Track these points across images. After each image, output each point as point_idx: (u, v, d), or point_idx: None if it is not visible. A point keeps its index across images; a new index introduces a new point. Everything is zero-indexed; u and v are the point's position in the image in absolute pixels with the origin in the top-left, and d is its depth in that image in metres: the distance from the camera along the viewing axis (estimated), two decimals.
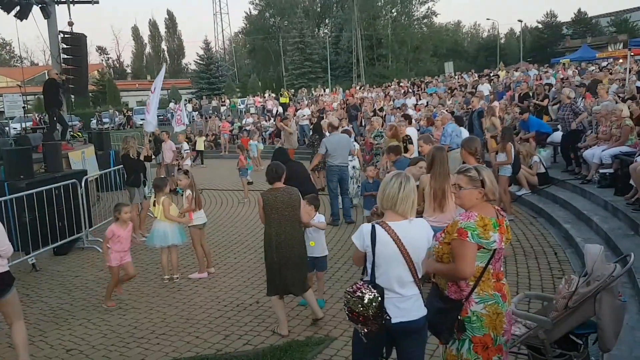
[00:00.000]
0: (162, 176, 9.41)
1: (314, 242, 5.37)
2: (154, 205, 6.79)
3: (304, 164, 7.61)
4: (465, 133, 10.44)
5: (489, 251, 2.97)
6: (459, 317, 2.98)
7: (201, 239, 6.91)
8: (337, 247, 7.75)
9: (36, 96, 49.56)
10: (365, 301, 2.84)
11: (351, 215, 9.23)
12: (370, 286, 2.89)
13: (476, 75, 27.93)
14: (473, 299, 2.99)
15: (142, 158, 9.25)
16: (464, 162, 5.81)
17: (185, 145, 13.66)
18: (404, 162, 6.82)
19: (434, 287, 3.19)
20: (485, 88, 18.56)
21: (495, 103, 14.70)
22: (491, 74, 26.12)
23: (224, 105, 34.39)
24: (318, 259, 5.45)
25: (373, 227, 2.95)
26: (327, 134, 11.15)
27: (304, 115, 20.96)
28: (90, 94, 47.42)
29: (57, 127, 12.71)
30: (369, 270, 2.98)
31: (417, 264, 2.97)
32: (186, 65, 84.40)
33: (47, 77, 12.89)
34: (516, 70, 25.02)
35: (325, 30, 61.51)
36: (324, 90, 34.03)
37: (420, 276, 3.01)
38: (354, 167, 9.89)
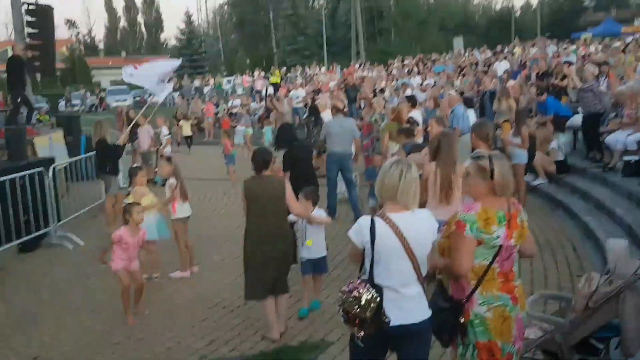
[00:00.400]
0: (137, 165, 9.33)
1: (311, 241, 5.27)
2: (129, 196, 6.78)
3: (309, 147, 7.63)
4: (473, 117, 10.46)
5: (493, 248, 2.98)
6: (461, 320, 2.99)
7: (184, 233, 6.90)
8: (335, 242, 7.73)
9: None
10: (363, 302, 2.84)
11: (360, 210, 8.77)
12: (368, 285, 2.89)
13: (488, 51, 27.89)
14: (476, 299, 3.00)
15: (121, 143, 9.19)
16: (473, 149, 5.81)
17: (165, 130, 13.54)
18: (412, 148, 6.81)
19: (438, 284, 3.22)
20: (502, 67, 18.47)
21: (511, 82, 14.67)
22: (505, 51, 26.08)
23: (208, 85, 34.26)
24: (317, 261, 5.39)
25: (372, 220, 2.96)
26: (323, 116, 11.15)
27: (298, 98, 20.89)
28: (58, 73, 47.18)
29: (22, 110, 12.59)
30: (367, 268, 2.99)
31: (420, 259, 2.97)
32: (165, 40, 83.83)
33: (10, 54, 12.75)
34: (533, 47, 25.00)
35: (321, 2, 61.02)
36: (320, 69, 33.92)
37: (424, 273, 3.01)
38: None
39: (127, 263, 5.59)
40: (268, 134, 17.10)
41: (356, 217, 8.66)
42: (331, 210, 9.03)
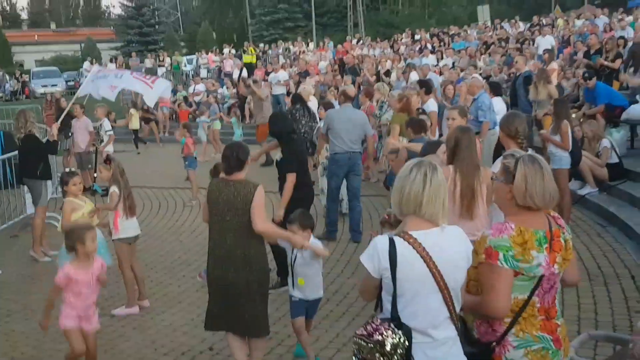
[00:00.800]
0: (70, 169, 9.22)
1: (303, 281, 5.20)
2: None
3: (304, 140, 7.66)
4: (501, 106, 10.52)
5: (532, 278, 2.99)
6: None
7: (131, 258, 6.86)
8: (336, 271, 7.72)
9: None
10: (388, 347, 2.80)
11: (361, 230, 8.80)
12: (392, 326, 2.86)
13: (521, 24, 28.10)
14: (510, 341, 3.01)
15: (55, 138, 9.10)
16: (501, 149, 5.85)
17: (107, 124, 13.45)
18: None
19: (460, 323, 3.19)
20: (546, 42, 18.57)
21: (553, 64, 14.79)
22: (543, 23, 26.32)
23: (163, 65, 34.21)
24: (311, 303, 5.33)
25: (391, 241, 2.91)
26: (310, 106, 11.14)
27: (279, 81, 20.91)
28: None
29: None
30: (388, 304, 2.94)
31: (454, 290, 2.93)
32: (107, 8, 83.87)
33: None
34: (578, 18, 25.24)
35: None
36: (307, 46, 34.03)
37: (458, 310, 3.00)
38: None
39: (82, 316, 5.02)
40: (237, 129, 17.02)
41: (354, 239, 8.71)
42: (331, 228, 8.98)
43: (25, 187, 9.78)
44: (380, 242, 2.93)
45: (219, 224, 4.84)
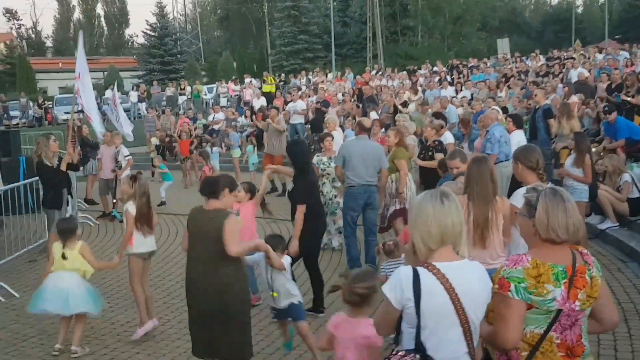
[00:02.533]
0: (67, 215, 9.07)
1: (276, 294, 5.57)
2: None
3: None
4: (522, 139, 10.48)
5: (547, 313, 2.97)
6: None
7: (143, 275, 6.86)
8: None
9: None
10: None
11: (377, 265, 8.46)
12: (418, 357, 2.85)
13: (541, 57, 28.15)
14: None
15: (63, 167, 9.21)
16: (518, 181, 5.84)
17: (125, 150, 13.61)
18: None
19: (484, 356, 3.20)
20: (576, 74, 18.52)
21: (574, 98, 14.77)
22: (563, 57, 26.35)
23: (184, 94, 34.58)
24: (289, 310, 5.64)
25: (415, 272, 2.90)
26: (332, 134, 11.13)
27: (298, 111, 21.05)
28: None
29: None
30: (410, 336, 2.92)
31: (473, 324, 2.93)
32: (131, 37, 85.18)
33: None
34: (600, 52, 25.24)
35: None
36: (326, 75, 34.26)
37: (476, 344, 2.98)
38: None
39: None
40: (251, 157, 17.00)
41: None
42: (352, 264, 8.67)
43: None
44: (404, 273, 2.93)
45: (194, 252, 5.04)
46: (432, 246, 2.96)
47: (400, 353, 2.88)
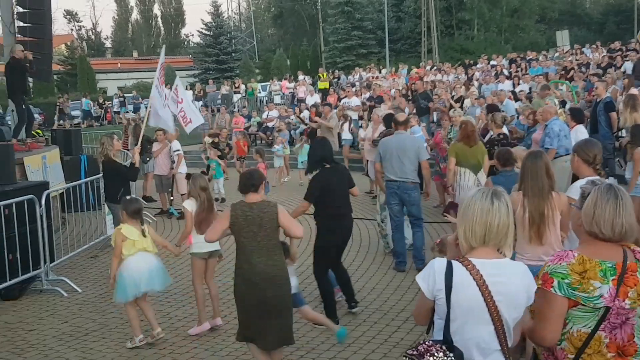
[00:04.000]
0: (131, 196, 9.28)
1: None
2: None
3: (348, 170, 7.58)
4: (581, 133, 10.22)
5: (595, 310, 2.89)
6: None
7: (207, 275, 6.97)
8: (407, 298, 7.65)
9: None
10: None
11: (424, 259, 8.58)
12: (444, 348, 2.85)
13: (603, 49, 27.41)
14: None
15: (137, 164, 9.42)
16: (575, 175, 5.75)
17: (175, 145, 13.73)
18: (513, 179, 6.68)
19: (533, 355, 3.20)
20: (630, 66, 18.00)
21: (633, 90, 14.32)
22: (626, 48, 25.56)
23: (238, 92, 34.94)
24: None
25: (449, 264, 2.92)
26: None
27: (351, 107, 21.02)
28: (55, 77, 49.23)
29: (9, 120, 13.18)
30: (439, 326, 2.95)
31: (507, 323, 2.91)
32: (187, 37, 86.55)
33: (2, 54, 13.37)
34: None
35: None
36: (380, 71, 34.09)
37: (510, 344, 2.95)
38: None
39: None
40: (302, 155, 17.04)
41: (417, 266, 8.58)
42: (397, 259, 8.85)
43: (106, 209, 10.13)
44: (438, 265, 2.96)
45: (250, 244, 5.12)
46: (473, 243, 2.96)
47: (427, 343, 2.88)
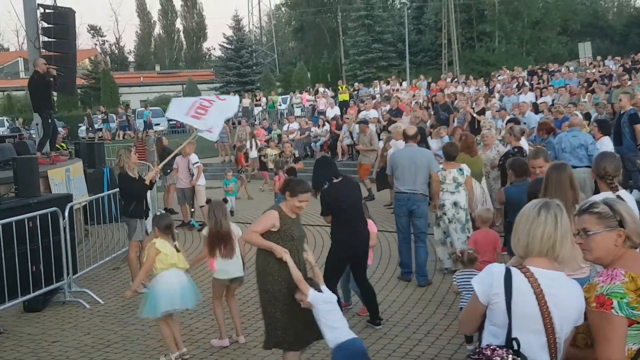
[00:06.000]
0: (161, 212, 9.27)
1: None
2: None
3: (357, 183, 7.55)
4: (606, 145, 10.14)
5: None
6: None
7: (227, 295, 7.00)
8: (429, 311, 7.61)
9: (5, 92, 52.63)
10: None
11: (427, 275, 8.68)
12: (511, 352, 2.81)
13: (629, 61, 27.17)
14: None
15: (147, 182, 9.34)
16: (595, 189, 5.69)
17: (193, 158, 13.79)
18: (523, 189, 6.63)
19: None
20: None
21: None
22: None
23: (259, 104, 35.09)
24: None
25: (508, 270, 2.89)
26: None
27: (369, 119, 21.01)
28: (79, 91, 49.87)
29: (34, 133, 13.33)
30: (490, 334, 2.90)
31: (559, 338, 2.86)
32: (209, 50, 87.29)
33: (22, 66, 13.54)
34: None
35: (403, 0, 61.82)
36: (400, 84, 34.06)
37: (560, 358, 2.91)
38: (455, 203, 9.01)
39: None
40: None
41: (419, 282, 8.60)
42: (403, 270, 8.92)
43: None
44: (497, 269, 2.93)
45: (296, 247, 5.39)
46: (520, 253, 2.96)
47: (492, 346, 2.84)
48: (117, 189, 10.36)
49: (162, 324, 6.48)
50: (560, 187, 4.94)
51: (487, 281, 2.91)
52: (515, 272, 2.87)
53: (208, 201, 7.16)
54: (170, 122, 37.92)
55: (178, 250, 6.53)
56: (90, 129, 36.16)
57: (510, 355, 2.78)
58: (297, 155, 17.01)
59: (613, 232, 2.97)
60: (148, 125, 34.04)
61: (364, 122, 17.19)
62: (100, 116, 37.63)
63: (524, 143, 10.56)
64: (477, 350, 2.89)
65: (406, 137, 9.10)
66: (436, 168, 8.79)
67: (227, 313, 7.07)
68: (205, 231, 6.89)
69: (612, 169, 5.17)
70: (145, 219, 9.39)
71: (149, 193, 9.67)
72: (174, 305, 6.35)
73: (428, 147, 12.59)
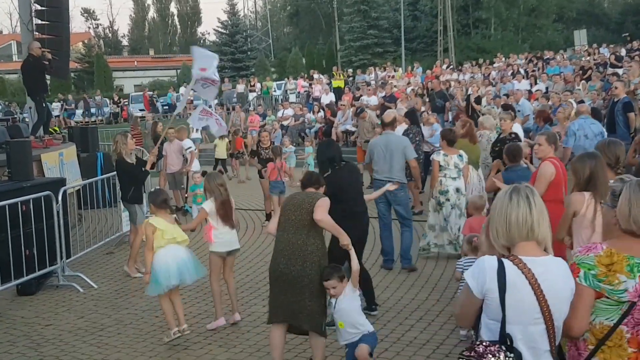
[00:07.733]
0: (156, 188, 9.36)
1: (342, 324, 5.27)
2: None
3: (358, 168, 7.58)
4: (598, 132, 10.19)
5: (619, 304, 2.92)
6: None
7: (225, 271, 7.01)
8: (421, 296, 7.65)
9: None
10: None
11: (411, 259, 8.72)
12: (503, 348, 2.81)
13: (623, 50, 27.19)
14: None
15: (148, 167, 9.32)
16: None
17: (187, 143, 13.73)
18: (521, 174, 6.65)
19: (557, 348, 3.14)
20: None
21: None
22: None
23: (254, 90, 34.98)
24: (357, 342, 5.25)
25: (500, 263, 2.87)
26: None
27: (370, 106, 21.01)
28: (72, 75, 49.58)
29: (27, 118, 13.30)
30: (488, 328, 2.91)
31: (557, 322, 2.89)
32: (203, 35, 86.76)
33: (14, 49, 13.50)
34: None
35: None
36: (396, 71, 34.01)
37: (557, 343, 2.94)
38: (457, 189, 9.04)
39: None
40: (310, 160, 17.00)
41: (403, 265, 8.65)
42: (385, 257, 8.86)
43: (122, 206, 10.20)
44: (489, 263, 2.90)
45: (285, 222, 5.49)
46: (503, 242, 2.96)
47: (484, 343, 2.84)
48: (111, 174, 10.39)
49: (162, 299, 6.52)
50: (605, 176, 4.92)
51: (480, 275, 2.88)
52: (507, 264, 2.85)
53: (204, 173, 7.14)
54: (164, 107, 37.89)
55: (179, 224, 6.59)
56: (86, 112, 36.06)
57: (502, 352, 2.78)
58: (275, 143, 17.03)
59: (612, 210, 3.07)
60: (172, 108, 33.82)
61: (361, 111, 17.11)
62: (96, 100, 37.48)
63: (518, 129, 10.58)
64: (469, 346, 2.89)
65: (383, 125, 9.05)
66: (412, 155, 8.77)
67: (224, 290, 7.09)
68: (207, 205, 6.86)
69: (623, 156, 5.19)
70: (143, 205, 9.45)
71: (149, 178, 9.69)
72: (171, 281, 6.38)
73: (420, 130, 12.61)
